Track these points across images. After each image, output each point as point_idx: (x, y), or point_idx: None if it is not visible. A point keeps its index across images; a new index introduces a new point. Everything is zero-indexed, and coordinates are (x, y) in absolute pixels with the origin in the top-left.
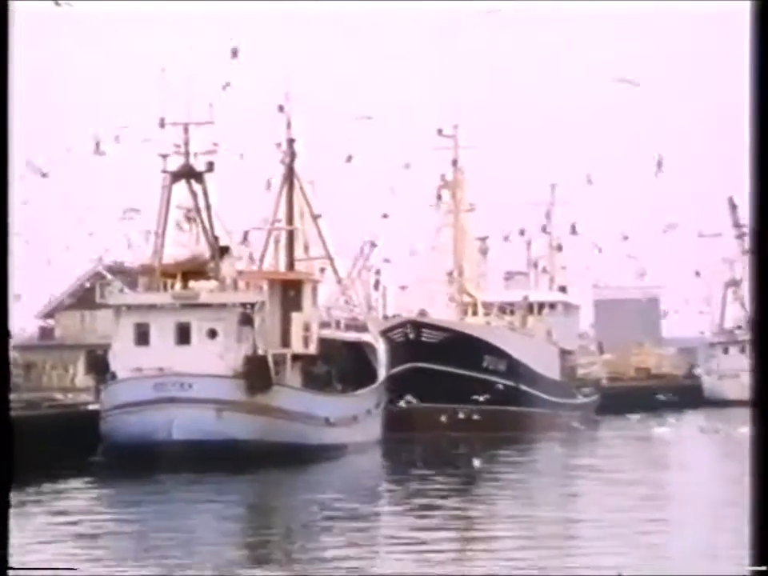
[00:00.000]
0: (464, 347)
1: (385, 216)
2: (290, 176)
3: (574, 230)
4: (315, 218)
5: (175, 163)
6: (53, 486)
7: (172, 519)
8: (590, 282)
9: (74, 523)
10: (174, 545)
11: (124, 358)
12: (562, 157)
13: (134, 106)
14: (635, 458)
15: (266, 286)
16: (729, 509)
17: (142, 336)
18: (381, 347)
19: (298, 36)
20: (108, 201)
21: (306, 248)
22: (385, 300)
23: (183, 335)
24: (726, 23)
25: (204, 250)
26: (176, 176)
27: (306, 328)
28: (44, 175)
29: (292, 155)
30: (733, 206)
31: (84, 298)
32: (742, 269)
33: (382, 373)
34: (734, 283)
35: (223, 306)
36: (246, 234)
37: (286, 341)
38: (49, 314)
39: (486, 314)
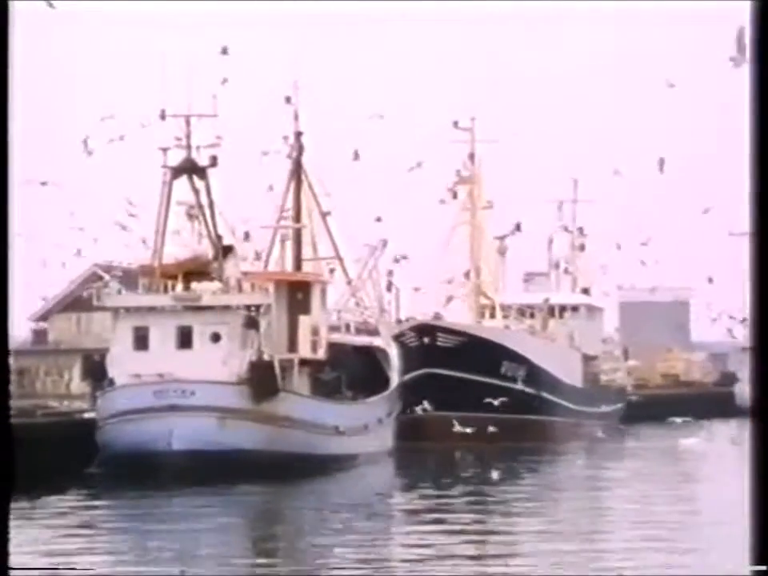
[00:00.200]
0: (481, 352)
1: (397, 213)
2: (297, 171)
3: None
4: (324, 215)
5: (176, 157)
6: (46, 499)
7: (171, 534)
8: (615, 283)
9: (68, 536)
10: (173, 558)
11: (122, 363)
12: (585, 151)
13: (134, 99)
14: (664, 473)
15: (272, 288)
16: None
17: (141, 340)
18: (393, 352)
19: (305, 32)
20: (105, 199)
21: (315, 247)
22: (398, 302)
23: (184, 339)
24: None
25: (206, 250)
26: (177, 171)
27: (315, 332)
28: (43, 183)
29: (300, 149)
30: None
31: (80, 300)
32: None
33: (395, 379)
34: None
35: (227, 308)
36: (246, 233)
37: (293, 345)
38: (42, 317)
39: (505, 317)
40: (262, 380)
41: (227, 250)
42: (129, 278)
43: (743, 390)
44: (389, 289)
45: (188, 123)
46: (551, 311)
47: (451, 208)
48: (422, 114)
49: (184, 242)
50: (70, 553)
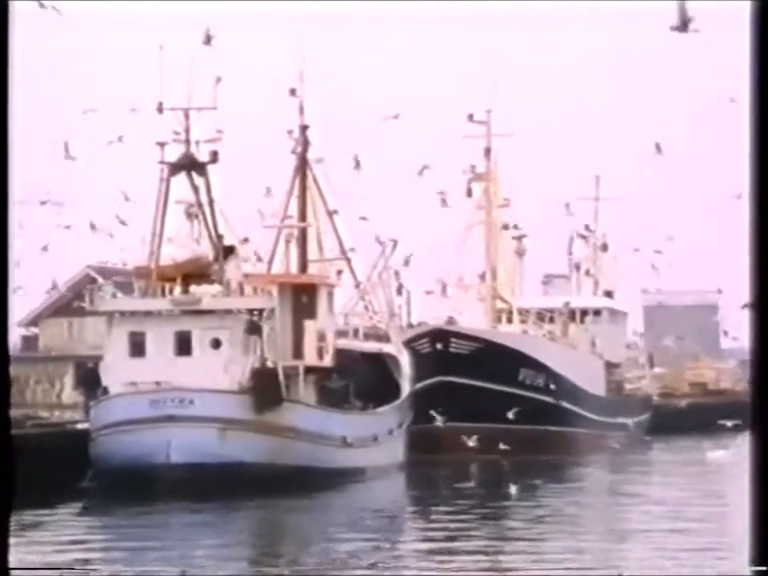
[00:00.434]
0: (497, 359)
1: (409, 211)
2: (302, 167)
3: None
4: (331, 213)
5: (174, 153)
6: (34, 517)
7: (168, 552)
8: (639, 285)
9: (59, 551)
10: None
11: (117, 371)
12: (606, 147)
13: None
14: (693, 488)
15: (275, 291)
16: None
17: (137, 346)
18: (404, 359)
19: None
20: (99, 197)
21: (321, 248)
22: (409, 306)
23: (183, 345)
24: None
25: (206, 251)
26: (175, 167)
27: (321, 337)
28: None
29: (305, 144)
30: None
31: (72, 304)
32: None
33: (406, 388)
34: None
35: (228, 312)
36: (245, 239)
37: (298, 352)
38: (32, 322)
39: (523, 322)
40: (265, 388)
41: (228, 251)
42: (124, 281)
43: None
44: (399, 292)
45: (187, 116)
46: (572, 315)
47: (464, 207)
48: (433, 111)
49: (182, 243)
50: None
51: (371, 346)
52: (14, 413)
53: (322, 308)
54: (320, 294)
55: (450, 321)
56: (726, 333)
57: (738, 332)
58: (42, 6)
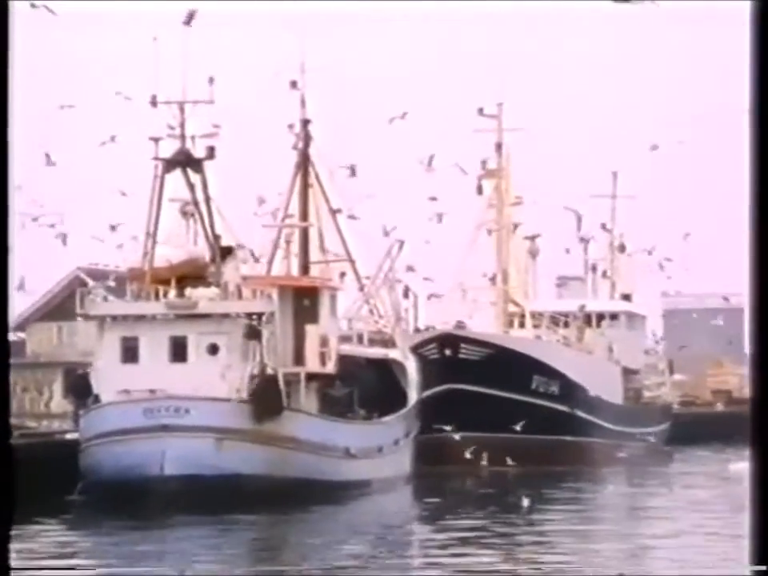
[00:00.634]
0: (509, 365)
1: (415, 208)
2: (304, 163)
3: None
4: (334, 212)
5: (169, 148)
6: (20, 530)
7: (161, 569)
8: (659, 288)
9: (45, 569)
10: None
11: (108, 378)
12: (625, 141)
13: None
14: (718, 502)
15: (275, 294)
16: None
17: (130, 352)
18: (411, 365)
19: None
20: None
21: (323, 249)
22: (416, 310)
23: (178, 351)
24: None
25: (203, 251)
26: (170, 164)
27: (323, 343)
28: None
29: (306, 139)
30: None
31: (61, 308)
32: None
33: (413, 396)
34: None
35: (225, 316)
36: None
37: (299, 358)
38: (19, 326)
39: (536, 327)
40: (265, 397)
41: (226, 252)
42: (116, 283)
43: None
44: (406, 295)
45: (182, 110)
46: (588, 320)
47: (474, 205)
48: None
49: (178, 243)
50: None
51: (376, 352)
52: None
53: (325, 312)
54: (322, 297)
55: (460, 325)
56: None
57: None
58: (33, 6)
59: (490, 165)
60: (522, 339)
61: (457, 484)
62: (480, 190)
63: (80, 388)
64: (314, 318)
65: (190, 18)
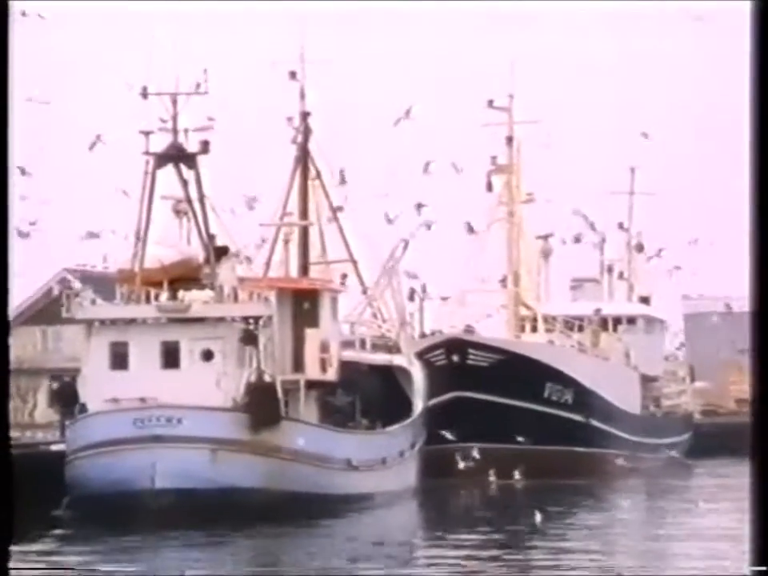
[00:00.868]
0: (520, 372)
1: (418, 209)
2: (303, 158)
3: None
4: (335, 211)
5: (161, 143)
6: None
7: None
8: (680, 290)
9: None
10: None
11: (96, 385)
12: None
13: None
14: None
15: (273, 297)
16: None
17: (119, 358)
18: (417, 372)
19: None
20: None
21: (324, 249)
22: (422, 313)
23: (170, 357)
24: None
25: (196, 252)
26: (162, 158)
27: (324, 348)
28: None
29: (306, 132)
30: None
31: (46, 311)
32: None
33: (419, 404)
34: None
35: (220, 320)
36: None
37: (298, 364)
38: None
39: (548, 331)
40: (262, 405)
41: (221, 252)
42: (105, 285)
43: None
44: (411, 298)
45: (174, 102)
46: (603, 324)
47: (484, 202)
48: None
49: (170, 243)
50: None
51: (380, 358)
52: None
53: (325, 315)
54: (323, 300)
55: (468, 330)
56: None
57: None
58: (24, 15)
59: (500, 160)
60: (533, 344)
61: (463, 498)
62: (489, 187)
63: (66, 396)
64: (314, 321)
65: None
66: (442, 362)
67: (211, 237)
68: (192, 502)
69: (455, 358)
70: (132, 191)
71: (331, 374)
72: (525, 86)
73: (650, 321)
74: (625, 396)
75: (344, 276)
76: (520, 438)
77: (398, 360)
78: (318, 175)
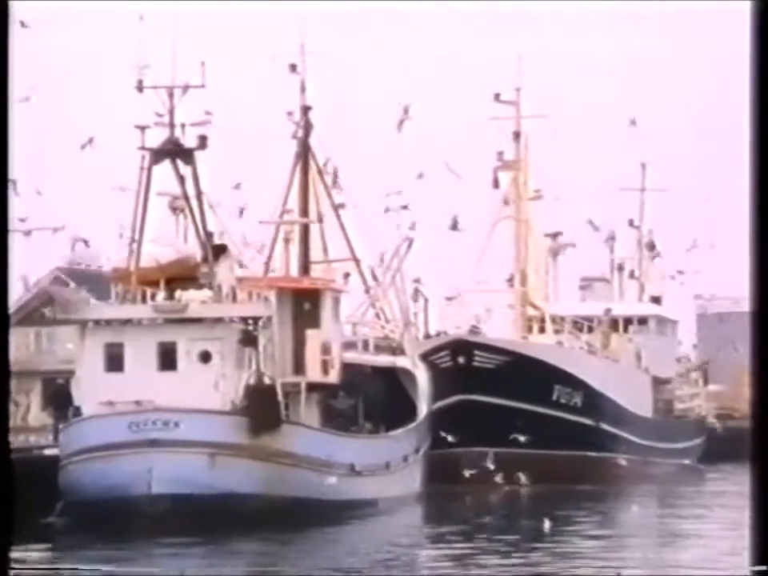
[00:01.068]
0: (528, 374)
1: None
2: (304, 154)
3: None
4: (337, 208)
5: (157, 138)
6: None
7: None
8: (692, 290)
9: None
10: None
11: (91, 388)
12: (653, 130)
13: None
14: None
15: (273, 297)
16: None
17: (115, 360)
18: (421, 374)
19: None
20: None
21: (325, 248)
22: (426, 314)
23: (167, 359)
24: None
25: (194, 250)
26: (158, 154)
27: (325, 350)
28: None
29: (307, 127)
30: None
31: (39, 312)
32: None
33: (423, 408)
34: None
35: (218, 321)
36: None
37: (299, 366)
38: None
39: (557, 332)
40: (262, 409)
41: (219, 251)
42: (99, 284)
43: None
44: (415, 298)
45: (171, 96)
46: (614, 324)
47: (490, 200)
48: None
49: (166, 241)
50: None
51: (383, 360)
52: None
53: (327, 316)
54: (324, 300)
55: (474, 330)
56: None
57: None
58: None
59: (507, 156)
60: (541, 346)
61: (469, 504)
62: (496, 184)
63: (60, 399)
64: (315, 322)
65: None
66: (447, 364)
67: (209, 235)
68: (189, 508)
69: (461, 359)
70: (128, 187)
71: (333, 377)
72: (529, 83)
73: (661, 321)
74: (636, 399)
75: (346, 275)
76: (527, 442)
77: (401, 362)
78: (320, 172)
